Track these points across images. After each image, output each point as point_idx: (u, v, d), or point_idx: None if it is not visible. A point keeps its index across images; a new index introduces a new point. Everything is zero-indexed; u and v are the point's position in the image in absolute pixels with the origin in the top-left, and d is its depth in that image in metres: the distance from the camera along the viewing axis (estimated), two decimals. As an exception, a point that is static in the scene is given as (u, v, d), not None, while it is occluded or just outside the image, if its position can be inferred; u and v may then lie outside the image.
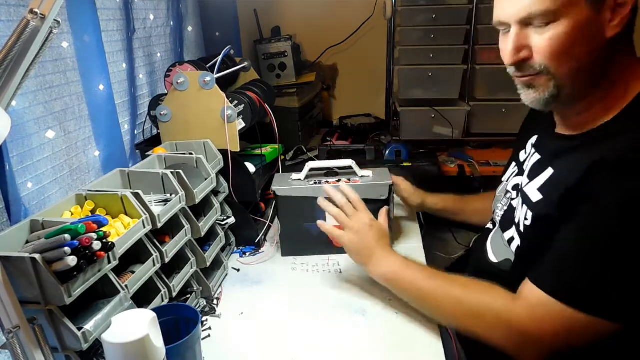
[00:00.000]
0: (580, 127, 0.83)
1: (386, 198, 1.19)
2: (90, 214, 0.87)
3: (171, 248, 0.93)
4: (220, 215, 1.17)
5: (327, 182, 1.21)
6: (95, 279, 0.72)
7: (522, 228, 0.89)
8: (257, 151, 1.40)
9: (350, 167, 1.23)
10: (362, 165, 1.25)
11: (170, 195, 0.98)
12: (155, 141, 1.34)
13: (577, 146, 0.81)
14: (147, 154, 1.17)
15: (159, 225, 0.89)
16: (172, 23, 1.63)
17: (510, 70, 0.81)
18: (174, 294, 0.93)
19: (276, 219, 1.28)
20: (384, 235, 1.05)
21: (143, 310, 0.72)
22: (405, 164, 1.82)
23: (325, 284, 1.12)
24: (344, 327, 0.97)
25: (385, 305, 1.02)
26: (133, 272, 0.83)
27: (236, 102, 1.26)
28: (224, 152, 1.21)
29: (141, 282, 0.84)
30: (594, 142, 0.78)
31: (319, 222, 1.09)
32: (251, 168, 1.29)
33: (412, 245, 1.28)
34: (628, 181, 0.70)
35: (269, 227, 1.36)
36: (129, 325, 0.68)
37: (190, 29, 1.78)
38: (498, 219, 1.02)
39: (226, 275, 1.17)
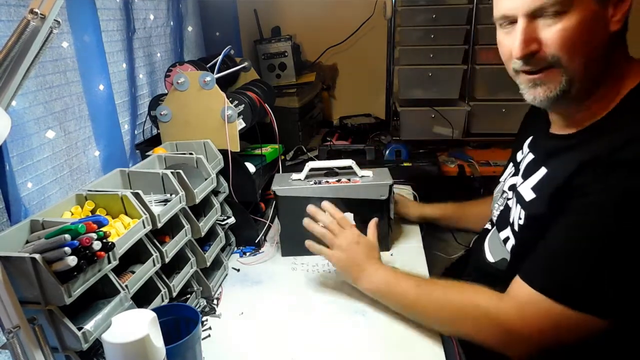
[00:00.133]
0: (575, 126, 0.83)
1: (386, 198, 1.19)
2: (90, 214, 0.87)
3: (171, 248, 0.93)
4: (220, 215, 1.17)
5: (327, 182, 1.21)
6: (95, 279, 0.72)
7: (516, 227, 0.89)
8: (257, 151, 1.40)
9: (350, 167, 1.23)
10: (362, 165, 1.25)
11: (170, 195, 0.98)
12: (155, 141, 1.34)
13: (570, 145, 0.82)
14: (147, 154, 1.17)
15: (159, 225, 0.89)
16: (172, 23, 1.63)
17: (517, 65, 0.79)
18: (174, 294, 0.93)
19: (276, 219, 1.28)
20: (373, 249, 1.06)
21: (143, 310, 0.72)
22: (405, 164, 1.82)
23: (326, 284, 1.12)
24: (344, 327, 0.97)
25: (385, 305, 1.02)
26: (133, 272, 0.83)
27: (236, 102, 1.26)
28: (224, 152, 1.21)
29: (141, 282, 0.84)
30: (586, 140, 0.79)
31: (307, 243, 1.09)
32: (251, 168, 1.29)
33: (412, 245, 1.28)
34: (617, 179, 0.70)
35: (269, 227, 1.36)
36: (129, 325, 0.68)
37: (190, 29, 1.78)
38: (495, 219, 1.03)
39: (226, 275, 1.17)
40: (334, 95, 2.54)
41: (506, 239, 0.94)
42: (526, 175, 0.90)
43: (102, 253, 0.71)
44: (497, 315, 0.79)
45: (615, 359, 0.81)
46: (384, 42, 2.31)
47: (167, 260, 0.91)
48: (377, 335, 0.94)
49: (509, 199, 0.97)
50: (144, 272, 0.85)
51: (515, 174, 0.97)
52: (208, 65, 1.35)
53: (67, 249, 0.65)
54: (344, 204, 1.18)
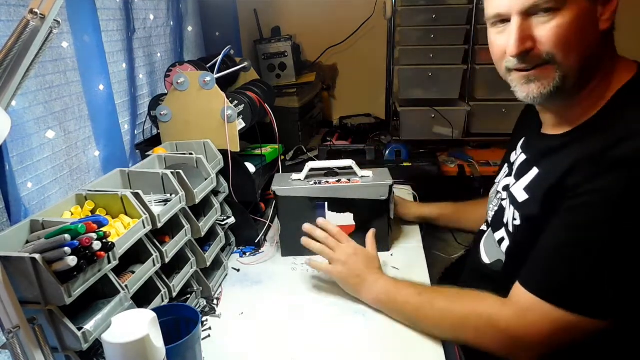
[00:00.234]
0: (566, 125, 0.84)
1: (386, 198, 1.19)
2: (90, 214, 0.87)
3: (171, 248, 0.93)
4: (220, 215, 1.17)
5: (327, 182, 1.21)
6: (95, 279, 0.72)
7: (511, 228, 0.90)
8: (257, 151, 1.40)
9: (350, 167, 1.23)
10: (362, 165, 1.25)
11: (170, 195, 0.98)
12: (155, 141, 1.34)
13: (561, 145, 0.82)
14: (147, 154, 1.17)
15: (159, 225, 0.89)
16: (172, 23, 1.63)
17: (510, 63, 0.79)
18: (174, 294, 0.93)
19: (276, 219, 1.28)
20: (372, 260, 1.06)
21: (143, 310, 0.72)
22: (405, 164, 1.82)
23: (326, 284, 1.12)
24: (344, 327, 0.97)
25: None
26: (133, 272, 0.83)
27: (236, 102, 1.26)
28: (224, 152, 1.21)
29: (141, 282, 0.84)
30: (578, 139, 0.79)
31: (306, 260, 1.10)
32: (251, 168, 1.29)
33: (412, 245, 1.28)
34: (608, 179, 0.70)
35: (269, 227, 1.36)
36: (129, 325, 0.68)
37: (190, 29, 1.78)
38: (489, 219, 1.03)
39: (226, 275, 1.17)
40: (334, 95, 2.54)
41: (501, 240, 0.94)
42: (519, 176, 0.90)
43: (102, 253, 0.71)
44: (499, 322, 0.79)
45: (617, 358, 0.81)
46: (384, 42, 2.31)
47: (167, 260, 0.91)
48: (377, 335, 0.94)
49: (503, 200, 0.97)
50: (144, 272, 0.85)
51: (509, 174, 0.97)
52: (208, 65, 1.35)
53: (67, 249, 0.65)
54: (344, 204, 1.18)
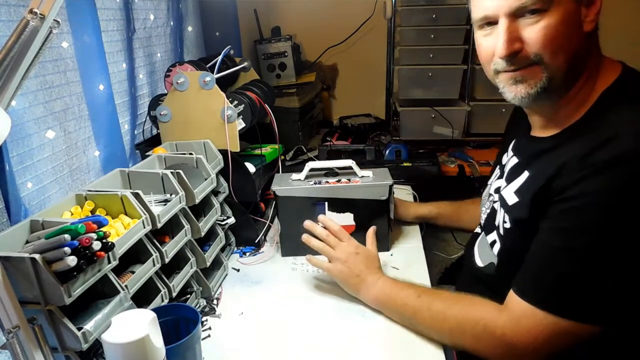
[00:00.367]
0: (554, 127, 0.84)
1: (386, 198, 1.19)
2: (90, 214, 0.87)
3: (171, 248, 0.93)
4: (220, 215, 1.17)
5: (327, 182, 1.21)
6: (95, 279, 0.72)
7: (502, 231, 0.90)
8: (257, 151, 1.40)
9: (350, 167, 1.23)
10: (362, 165, 1.25)
11: (170, 195, 0.98)
12: (155, 141, 1.33)
13: (550, 147, 0.82)
14: (147, 154, 1.17)
15: (159, 225, 0.89)
16: (172, 23, 1.63)
17: (499, 65, 0.80)
18: (174, 294, 0.93)
19: (276, 219, 1.28)
20: (372, 259, 1.06)
21: (143, 310, 0.72)
22: (405, 164, 1.82)
23: (325, 284, 1.12)
24: (344, 327, 0.97)
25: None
26: (133, 272, 0.83)
27: (236, 102, 1.26)
28: (224, 152, 1.21)
29: (141, 282, 0.84)
30: (565, 141, 0.80)
31: (307, 257, 1.10)
32: (251, 168, 1.29)
33: (412, 245, 1.28)
34: (594, 182, 0.70)
35: (269, 227, 1.36)
36: (129, 325, 0.68)
37: (190, 29, 1.78)
38: (482, 222, 1.03)
39: (226, 275, 1.17)
40: (334, 95, 2.54)
41: (493, 243, 0.94)
42: (510, 179, 0.90)
43: (102, 253, 0.71)
44: (494, 328, 0.79)
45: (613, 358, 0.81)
46: (384, 42, 2.31)
47: (167, 260, 0.91)
48: (377, 335, 0.94)
49: (494, 202, 0.97)
50: (144, 272, 0.85)
51: (501, 176, 0.97)
52: (208, 65, 1.35)
53: (67, 249, 0.65)
54: (344, 204, 1.18)
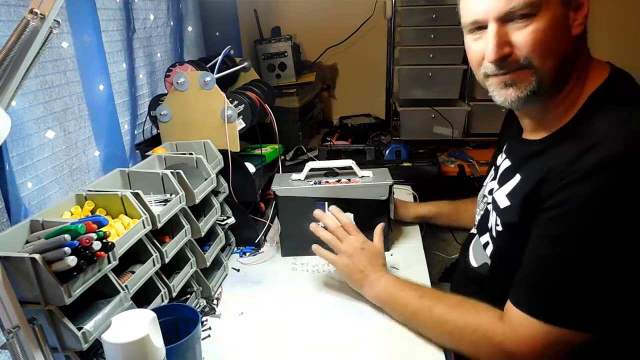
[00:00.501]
0: (544, 130, 0.84)
1: (386, 198, 1.19)
2: (90, 214, 0.87)
3: (171, 248, 0.93)
4: (220, 215, 1.17)
5: (327, 182, 1.21)
6: (95, 279, 0.72)
7: (494, 233, 0.90)
8: (257, 151, 1.40)
9: (350, 167, 1.23)
10: (362, 165, 1.25)
11: (170, 195, 0.98)
12: (155, 141, 1.34)
13: (540, 151, 0.83)
14: (147, 154, 1.17)
15: (159, 225, 0.89)
16: (172, 23, 1.63)
17: (489, 69, 0.81)
18: (174, 294, 0.93)
19: (276, 219, 1.28)
20: (378, 256, 1.05)
21: (143, 310, 0.72)
22: (405, 164, 1.82)
23: (325, 284, 1.12)
24: (344, 327, 0.97)
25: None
26: (133, 272, 0.83)
27: (236, 102, 1.26)
28: (224, 152, 1.21)
29: (141, 282, 0.84)
30: (554, 145, 0.80)
31: (314, 247, 1.09)
32: (251, 168, 1.29)
33: (412, 245, 1.28)
34: (581, 188, 0.70)
35: (269, 227, 1.36)
36: (129, 325, 0.68)
37: (190, 29, 1.78)
38: (476, 223, 1.03)
39: (226, 275, 1.17)
40: (334, 95, 2.54)
41: (486, 244, 0.94)
42: (502, 182, 0.91)
43: (102, 253, 0.71)
44: (493, 336, 0.80)
45: None
46: (384, 42, 2.31)
47: (167, 260, 0.91)
48: (377, 335, 0.94)
49: (488, 204, 0.97)
50: (144, 272, 0.85)
51: (494, 178, 0.98)
52: (208, 65, 1.35)
53: (67, 249, 0.65)
54: (344, 204, 1.18)
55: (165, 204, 0.93)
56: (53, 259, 0.66)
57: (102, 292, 0.77)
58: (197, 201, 1.03)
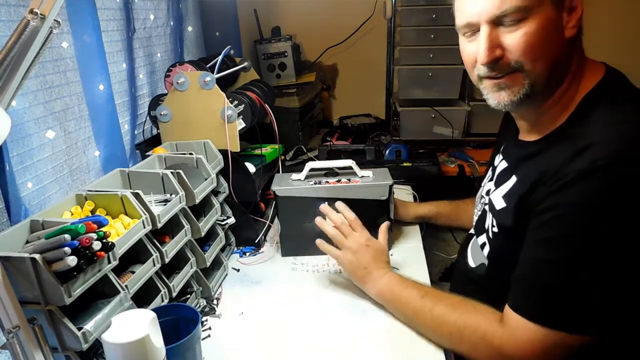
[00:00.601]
0: (539, 132, 0.84)
1: (386, 198, 1.19)
2: (90, 214, 0.87)
3: (171, 248, 0.93)
4: (220, 215, 1.17)
5: (327, 182, 1.21)
6: (95, 279, 0.72)
7: (491, 234, 0.91)
8: (257, 151, 1.40)
9: (350, 167, 1.23)
10: (362, 165, 1.25)
11: (170, 195, 0.98)
12: (155, 141, 1.34)
13: (535, 152, 0.83)
14: (147, 154, 1.17)
15: (159, 225, 0.89)
16: (172, 23, 1.63)
17: (481, 71, 0.81)
18: (174, 294, 0.93)
19: (276, 219, 1.28)
20: (382, 254, 1.05)
21: (143, 310, 0.72)
22: (405, 164, 1.82)
23: (325, 284, 1.12)
24: (344, 327, 0.97)
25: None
26: (133, 272, 0.83)
27: (236, 102, 1.26)
28: (224, 152, 1.21)
29: (141, 282, 0.84)
30: (548, 147, 0.80)
31: (318, 242, 1.09)
32: (251, 168, 1.29)
33: (412, 245, 1.28)
34: (574, 190, 0.70)
35: (269, 227, 1.36)
36: (129, 325, 0.68)
37: (190, 29, 1.78)
38: (474, 223, 1.03)
39: (226, 275, 1.17)
40: (334, 95, 2.54)
41: (483, 245, 0.94)
42: (498, 183, 0.91)
43: (102, 253, 0.71)
44: (492, 339, 0.80)
45: None
46: (384, 42, 2.31)
47: (167, 260, 0.91)
48: (377, 335, 0.94)
49: (485, 205, 0.97)
50: (144, 272, 0.85)
51: (492, 179, 0.98)
52: (208, 65, 1.35)
53: (67, 249, 0.65)
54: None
55: (165, 204, 0.93)
56: (53, 259, 0.66)
57: (102, 292, 0.77)
58: (197, 201, 1.03)
